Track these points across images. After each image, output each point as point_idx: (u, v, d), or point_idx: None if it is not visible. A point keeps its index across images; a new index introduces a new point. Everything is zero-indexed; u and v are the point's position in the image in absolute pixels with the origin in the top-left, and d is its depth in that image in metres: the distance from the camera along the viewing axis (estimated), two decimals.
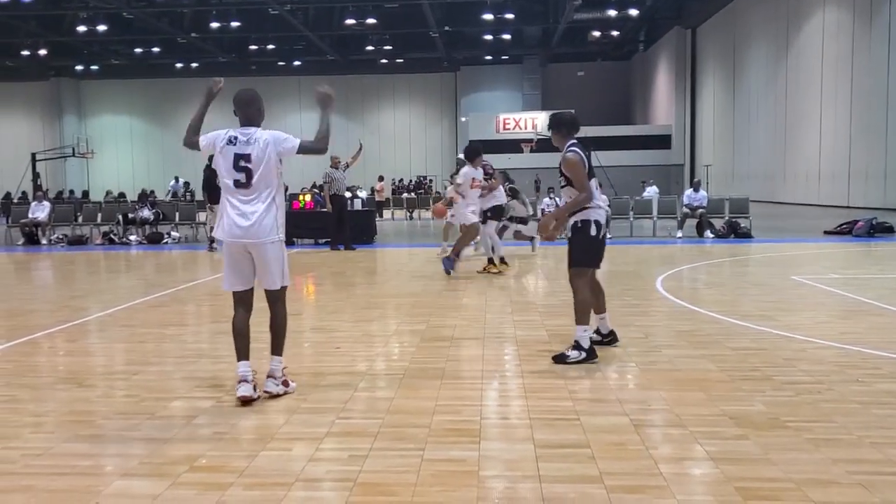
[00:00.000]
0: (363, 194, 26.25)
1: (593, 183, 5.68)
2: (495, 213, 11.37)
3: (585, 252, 5.68)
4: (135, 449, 3.95)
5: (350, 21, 38.75)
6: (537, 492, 3.30)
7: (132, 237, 18.62)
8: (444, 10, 39.61)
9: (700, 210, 17.22)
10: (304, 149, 4.82)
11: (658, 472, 3.48)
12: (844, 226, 17.08)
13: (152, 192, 31.96)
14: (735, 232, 16.55)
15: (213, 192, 14.48)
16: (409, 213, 31.49)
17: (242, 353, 4.83)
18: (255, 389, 4.73)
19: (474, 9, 38.83)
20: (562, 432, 4.06)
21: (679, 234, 16.93)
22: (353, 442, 3.97)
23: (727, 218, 17.17)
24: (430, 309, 8.13)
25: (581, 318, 5.60)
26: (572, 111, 5.96)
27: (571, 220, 5.64)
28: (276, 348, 4.97)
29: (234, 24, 38.65)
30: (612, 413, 4.38)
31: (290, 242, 17.24)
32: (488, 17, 38.61)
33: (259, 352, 5.18)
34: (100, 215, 20.51)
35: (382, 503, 3.23)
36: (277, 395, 4.80)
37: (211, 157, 5.05)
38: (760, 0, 34.34)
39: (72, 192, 42.77)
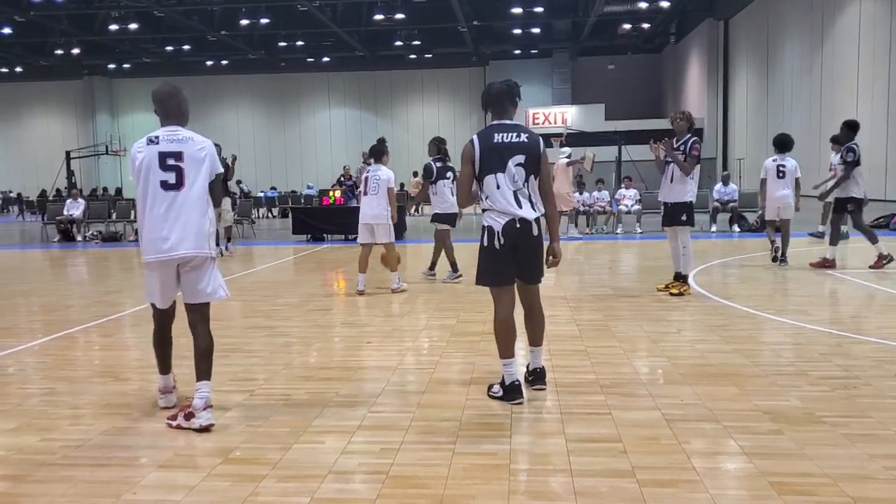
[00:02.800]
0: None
1: (491, 180, 4.48)
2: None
3: (480, 266, 4.62)
4: (170, 441, 4.01)
5: (378, 16, 38.86)
6: (569, 485, 3.29)
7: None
8: (472, 5, 39.54)
9: (732, 204, 17.06)
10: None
11: (691, 467, 3.46)
12: (881, 219, 16.80)
13: None
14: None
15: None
16: None
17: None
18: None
19: (503, 3, 38.73)
20: (593, 426, 4.05)
21: (713, 227, 16.79)
22: (384, 435, 3.99)
23: (760, 212, 16.94)
24: (460, 304, 8.13)
25: (499, 349, 4.61)
26: (508, 81, 4.69)
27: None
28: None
29: (264, 20, 38.97)
30: (644, 407, 4.35)
31: (319, 238, 17.49)
32: (517, 10, 38.51)
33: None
34: (133, 212, 20.79)
35: (414, 496, 3.24)
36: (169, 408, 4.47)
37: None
38: None
39: (105, 189, 43.43)
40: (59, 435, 4.13)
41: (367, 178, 9.11)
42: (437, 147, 10.05)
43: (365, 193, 9.05)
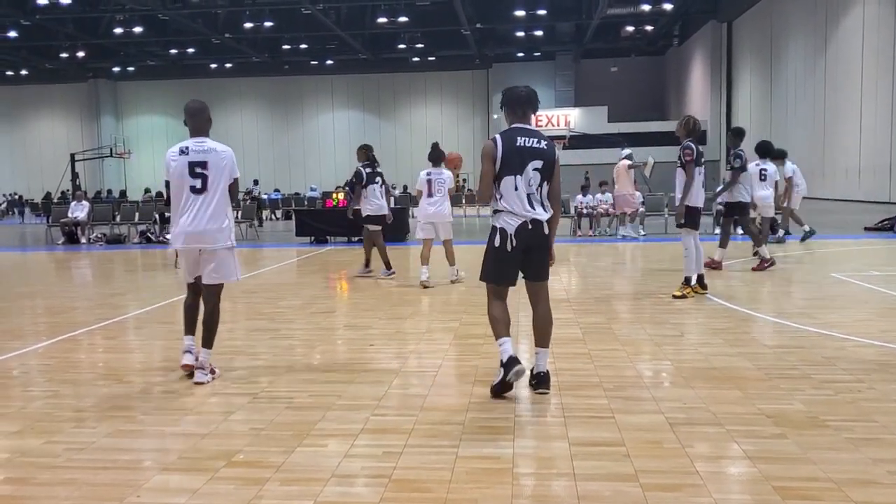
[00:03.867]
0: (396, 192, 26.42)
1: (510, 181, 4.62)
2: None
3: (487, 263, 4.77)
4: (174, 444, 4.01)
5: (382, 19, 38.93)
6: (572, 489, 3.28)
7: (169, 236, 18.86)
8: (475, 7, 39.57)
9: None
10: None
11: (694, 471, 3.45)
12: (886, 222, 16.76)
13: None
14: (772, 229, 16.30)
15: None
16: None
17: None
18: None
19: (506, 5, 38.76)
20: (596, 430, 4.04)
21: (717, 230, 16.76)
22: (387, 438, 3.99)
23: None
24: (462, 307, 8.13)
25: (494, 333, 4.78)
26: (527, 86, 4.90)
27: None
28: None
29: (268, 24, 39.04)
30: (648, 411, 4.34)
31: (323, 240, 17.50)
32: (520, 13, 38.54)
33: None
34: (137, 214, 20.84)
35: (417, 500, 3.24)
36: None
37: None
38: None
39: (109, 191, 43.51)
40: (63, 438, 4.14)
41: (430, 181, 9.96)
42: (366, 154, 10.83)
43: (430, 195, 9.92)
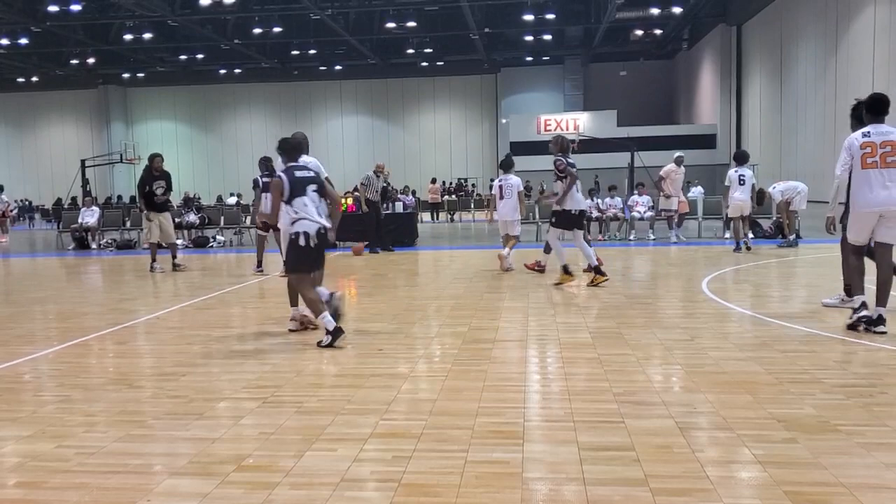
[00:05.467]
0: (405, 198, 26.54)
1: (300, 201, 6.46)
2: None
3: (293, 259, 6.60)
4: (184, 448, 4.02)
5: (390, 24, 39.07)
6: (581, 494, 3.28)
7: (178, 241, 18.92)
8: (484, 12, 39.65)
9: None
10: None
11: (704, 476, 3.44)
12: None
13: (195, 195, 32.51)
14: (782, 232, 16.24)
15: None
16: (450, 216, 31.56)
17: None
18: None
19: (515, 10, 38.82)
20: (606, 435, 4.03)
21: (727, 234, 16.71)
22: (396, 443, 3.99)
23: (774, 218, 16.85)
24: (471, 311, 8.13)
25: (314, 313, 6.52)
26: (301, 132, 7.24)
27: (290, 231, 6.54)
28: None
29: (276, 29, 39.25)
30: (658, 416, 4.33)
31: (332, 245, 17.45)
32: (529, 17, 38.61)
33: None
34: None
35: None
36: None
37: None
38: None
39: (119, 197, 43.73)
40: (74, 442, 4.16)
41: (501, 186, 11.77)
42: (266, 165, 12.11)
43: (500, 198, 11.75)
